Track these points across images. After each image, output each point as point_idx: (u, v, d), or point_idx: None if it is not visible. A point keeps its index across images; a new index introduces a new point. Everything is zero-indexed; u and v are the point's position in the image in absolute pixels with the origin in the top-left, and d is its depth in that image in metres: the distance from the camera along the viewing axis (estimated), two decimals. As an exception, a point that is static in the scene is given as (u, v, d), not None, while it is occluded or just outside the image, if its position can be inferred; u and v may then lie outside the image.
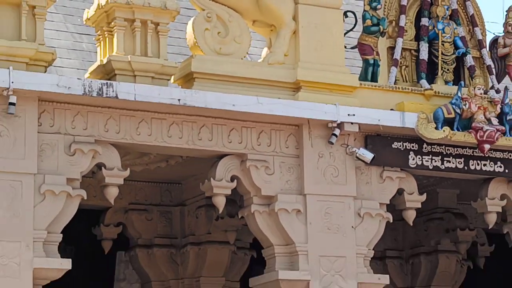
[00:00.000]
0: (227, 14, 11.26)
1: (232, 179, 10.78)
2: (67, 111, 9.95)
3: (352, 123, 10.78)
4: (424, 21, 12.07)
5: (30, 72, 9.64)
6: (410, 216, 11.64)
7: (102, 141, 10.15)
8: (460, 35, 11.94)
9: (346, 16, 12.22)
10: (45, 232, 9.54)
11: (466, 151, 11.46)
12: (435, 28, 12.01)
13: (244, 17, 11.34)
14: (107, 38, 11.19)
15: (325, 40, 11.41)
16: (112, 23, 10.85)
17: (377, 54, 11.79)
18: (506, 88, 11.72)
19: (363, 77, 11.59)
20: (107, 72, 10.73)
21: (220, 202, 10.89)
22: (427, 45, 11.94)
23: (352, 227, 10.95)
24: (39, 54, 10.02)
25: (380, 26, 11.80)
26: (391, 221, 11.60)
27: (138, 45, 10.77)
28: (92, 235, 13.31)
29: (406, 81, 11.90)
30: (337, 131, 10.64)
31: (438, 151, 11.39)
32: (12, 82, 9.05)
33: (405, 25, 11.99)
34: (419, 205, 11.60)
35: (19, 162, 9.44)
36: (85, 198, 10.25)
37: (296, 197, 10.85)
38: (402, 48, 11.96)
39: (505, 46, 12.05)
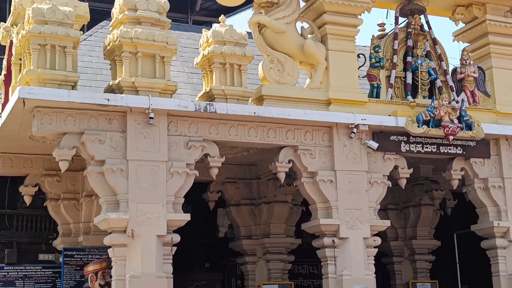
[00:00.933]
0: (283, 58, 11.29)
1: (289, 162, 10.93)
2: (185, 121, 10.21)
3: (364, 124, 11.03)
4: (409, 58, 12.10)
5: (162, 98, 10.00)
6: (402, 182, 11.81)
7: (207, 139, 10.32)
8: (432, 67, 12.12)
9: (359, 57, 12.36)
10: (173, 197, 9.94)
11: (438, 140, 11.62)
12: (416, 63, 12.06)
13: (294, 59, 11.39)
14: (209, 75, 11.24)
15: (346, 73, 11.57)
16: (212, 66, 10.99)
17: (379, 80, 11.86)
18: (462, 100, 11.90)
19: (370, 95, 11.74)
20: (209, 96, 10.91)
21: (281, 176, 11.04)
22: (411, 74, 12.01)
23: (366, 190, 11.20)
24: (167, 86, 10.27)
25: (381, 63, 11.86)
26: (391, 186, 11.71)
27: (229, 78, 10.92)
28: (202, 198, 13.45)
29: (398, 97, 12.05)
30: (354, 130, 10.93)
31: (419, 141, 11.53)
32: (151, 104, 9.47)
33: (396, 61, 12.05)
34: (408, 176, 11.74)
35: (156, 154, 9.81)
36: (198, 175, 10.39)
37: (330, 172, 11.01)
38: (395, 76, 12.05)
39: (461, 73, 12.22)
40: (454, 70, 12.47)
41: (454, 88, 12.23)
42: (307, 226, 11.66)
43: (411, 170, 11.79)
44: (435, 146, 11.70)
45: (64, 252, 11.67)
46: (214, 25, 11.46)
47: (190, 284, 14.15)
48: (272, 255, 13.59)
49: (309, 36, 11.71)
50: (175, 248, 9.95)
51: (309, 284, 13.87)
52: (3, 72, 11.66)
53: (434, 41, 12.50)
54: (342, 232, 10.86)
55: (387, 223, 11.80)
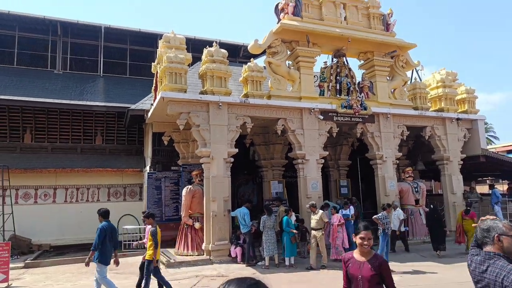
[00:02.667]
0: (280, 78, 11.23)
1: (282, 125, 10.86)
2: (235, 107, 10.22)
3: (316, 108, 10.90)
4: (338, 77, 11.97)
5: (225, 96, 10.15)
6: (334, 134, 11.54)
7: (245, 115, 10.34)
8: (348, 81, 11.96)
9: (315, 77, 11.90)
10: (230, 141, 10.11)
11: (350, 115, 11.49)
12: (341, 79, 11.94)
13: (285, 78, 11.33)
14: (246, 85, 11.03)
15: (309, 84, 11.44)
16: (247, 80, 10.87)
17: (324, 88, 11.76)
18: (362, 96, 11.79)
19: (320, 94, 11.46)
20: (246, 95, 10.76)
21: (279, 131, 11.02)
22: (339, 84, 11.86)
23: (317, 138, 11.12)
24: (226, 91, 10.26)
25: (325, 79, 11.64)
26: (328, 136, 11.53)
27: (255, 87, 10.72)
28: (243, 142, 12.20)
29: (332, 95, 11.78)
30: (312, 111, 10.98)
31: (342, 115, 11.33)
32: (220, 99, 9.84)
33: (332, 79, 11.84)
34: (337, 131, 11.64)
35: (222, 121, 10.00)
36: (241, 131, 10.42)
37: (300, 130, 11.02)
38: (331, 86, 11.83)
39: (362, 84, 12.10)
40: (359, 82, 12.31)
41: (358, 91, 12.13)
42: (290, 154, 11.52)
43: (337, 129, 11.69)
44: (349, 118, 11.73)
45: (183, 166, 11.94)
46: (249, 64, 11.22)
47: (237, 181, 13.92)
48: (274, 167, 13.59)
49: (291, 67, 11.68)
50: (231, 164, 10.17)
51: (291, 181, 13.42)
52: (153, 85, 11.79)
53: (349, 69, 12.25)
54: (307, 156, 11.02)
55: (326, 153, 11.61)
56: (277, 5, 11.52)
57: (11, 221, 11.65)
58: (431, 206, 10.95)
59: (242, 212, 9.68)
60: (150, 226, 6.65)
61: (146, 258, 6.43)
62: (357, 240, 2.92)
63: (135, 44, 18.16)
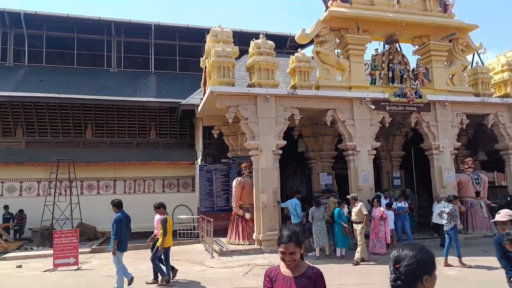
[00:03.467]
0: (328, 67, 11.09)
1: (331, 116, 10.75)
2: (283, 98, 10.21)
3: (368, 97, 10.87)
4: (390, 65, 11.61)
5: (272, 88, 10.23)
6: (386, 124, 11.31)
7: (293, 107, 10.33)
8: (402, 68, 11.58)
9: (365, 65, 11.70)
10: (278, 133, 10.16)
11: (404, 104, 11.18)
12: (394, 66, 11.61)
13: (334, 68, 11.18)
14: (294, 76, 11.01)
15: (359, 73, 11.25)
16: (295, 71, 10.84)
17: (376, 76, 11.47)
18: (417, 84, 11.39)
19: (371, 83, 11.26)
20: (294, 87, 10.75)
21: (328, 122, 10.87)
22: (391, 72, 11.52)
23: (368, 128, 10.97)
24: (274, 83, 10.30)
25: (376, 67, 11.35)
26: (381, 126, 11.27)
27: (302, 77, 10.76)
28: (291, 134, 12.01)
29: (384, 84, 11.41)
30: (363, 100, 10.83)
31: (395, 104, 11.03)
32: (267, 92, 9.90)
33: (384, 66, 11.51)
34: (389, 121, 11.28)
35: (270, 114, 10.03)
36: (289, 123, 10.37)
37: (351, 120, 10.88)
38: (383, 74, 11.54)
39: (416, 71, 11.64)
40: (413, 69, 11.89)
41: (413, 78, 11.68)
42: (340, 146, 11.40)
43: (390, 119, 11.35)
44: (403, 107, 11.36)
45: (232, 158, 12.24)
46: (296, 54, 11.16)
47: (286, 172, 14.03)
48: (324, 159, 13.44)
49: (341, 56, 11.47)
50: (279, 156, 10.19)
51: (341, 173, 13.11)
52: (202, 80, 12.03)
53: (403, 55, 11.83)
54: (357, 148, 10.84)
55: (378, 143, 11.33)
56: (324, -7, 11.22)
57: (78, 210, 12.63)
58: (508, 198, 10.26)
59: (293, 203, 9.79)
60: (159, 216, 7.12)
61: (157, 245, 6.89)
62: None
63: (184, 40, 18.72)
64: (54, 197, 12.10)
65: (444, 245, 8.40)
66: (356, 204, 9.00)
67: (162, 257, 7.03)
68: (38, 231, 11.70)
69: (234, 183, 10.65)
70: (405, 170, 14.27)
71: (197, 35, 18.24)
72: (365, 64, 11.62)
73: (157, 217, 7.24)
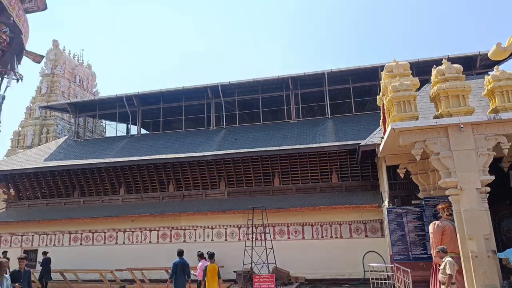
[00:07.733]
0: None
1: None
2: (482, 126, 9.12)
3: None
4: None
5: (466, 116, 9.23)
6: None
7: (498, 134, 9.06)
8: None
9: None
10: (482, 167, 8.98)
11: None
12: None
13: None
14: (492, 99, 9.86)
15: None
16: (494, 93, 9.68)
17: None
18: None
19: None
20: (495, 111, 9.55)
21: None
22: None
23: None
24: (468, 109, 9.33)
25: None
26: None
27: (505, 99, 9.50)
28: (499, 166, 11.08)
29: None
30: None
31: None
32: (460, 120, 9.03)
33: None
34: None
35: (467, 145, 9.04)
36: (495, 154, 9.09)
37: None
38: None
39: None
40: None
41: None
42: None
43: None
44: None
45: (425, 199, 11.30)
46: (493, 73, 9.94)
47: (498, 213, 12.44)
48: None
49: None
50: (487, 194, 8.91)
51: None
52: (381, 118, 11.79)
53: None
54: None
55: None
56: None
57: (272, 254, 13.63)
58: None
59: (517, 253, 8.01)
60: (201, 263, 9.06)
61: None
62: None
63: (356, 81, 19.00)
64: (252, 242, 13.39)
65: None
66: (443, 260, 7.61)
67: None
68: (241, 274, 13.04)
69: (430, 228, 9.65)
70: None
71: (370, 74, 18.32)
72: None
73: (200, 263, 9.58)
